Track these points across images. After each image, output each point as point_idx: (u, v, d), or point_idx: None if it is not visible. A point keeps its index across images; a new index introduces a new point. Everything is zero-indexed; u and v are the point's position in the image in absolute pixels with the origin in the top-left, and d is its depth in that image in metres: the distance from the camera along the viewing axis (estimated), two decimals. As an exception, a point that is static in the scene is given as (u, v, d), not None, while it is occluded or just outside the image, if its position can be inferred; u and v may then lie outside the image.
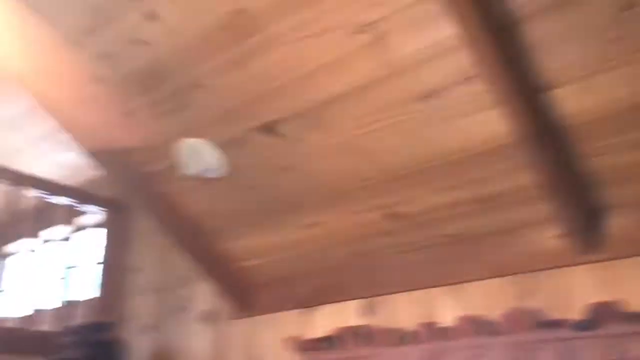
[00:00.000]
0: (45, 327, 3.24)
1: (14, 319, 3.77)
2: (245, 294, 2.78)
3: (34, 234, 3.30)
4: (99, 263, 3.51)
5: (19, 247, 4.05)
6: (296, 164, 2.22)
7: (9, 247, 3.20)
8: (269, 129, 2.14)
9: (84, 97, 2.41)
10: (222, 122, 2.19)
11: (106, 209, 3.53)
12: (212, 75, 2.06)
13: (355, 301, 2.40)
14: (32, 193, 3.22)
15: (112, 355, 2.95)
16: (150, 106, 2.19)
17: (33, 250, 3.20)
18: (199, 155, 2.37)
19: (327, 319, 2.46)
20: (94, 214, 3.66)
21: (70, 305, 3.26)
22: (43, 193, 3.25)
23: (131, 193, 3.07)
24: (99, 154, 2.58)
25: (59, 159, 3.68)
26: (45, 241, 3.26)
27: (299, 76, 1.92)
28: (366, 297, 2.38)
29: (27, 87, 2.52)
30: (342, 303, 2.44)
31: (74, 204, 3.38)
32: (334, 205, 2.26)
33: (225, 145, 2.27)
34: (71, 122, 2.50)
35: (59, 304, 3.82)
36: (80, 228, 3.45)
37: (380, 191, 2.10)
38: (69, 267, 3.28)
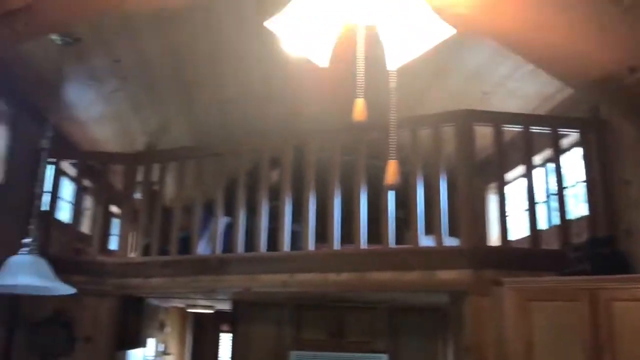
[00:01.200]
0: (547, 245, 3.55)
1: (519, 240, 4.27)
2: None
3: (521, 163, 3.64)
4: (584, 182, 3.60)
5: (512, 176, 4.55)
6: None
7: (505, 177, 3.60)
8: None
9: (546, 25, 2.48)
10: None
11: (581, 128, 3.57)
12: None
13: None
14: (512, 128, 3.56)
15: (616, 267, 2.99)
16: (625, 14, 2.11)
17: (524, 177, 3.54)
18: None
19: None
20: (569, 135, 3.76)
21: (566, 223, 3.46)
22: (520, 126, 3.54)
23: (609, 108, 3.00)
24: (571, 76, 2.63)
25: (526, 92, 3.93)
26: (533, 167, 3.54)
27: None
28: None
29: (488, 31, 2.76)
30: None
31: (549, 129, 3.55)
32: None
33: None
34: (538, 53, 2.62)
35: (556, 223, 4.10)
36: (560, 150, 3.59)
37: None
38: (559, 188, 3.48)
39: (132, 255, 4.38)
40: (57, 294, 3.20)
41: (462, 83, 3.89)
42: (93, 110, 4.46)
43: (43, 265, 3.09)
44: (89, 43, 3.46)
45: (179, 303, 7.36)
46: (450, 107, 3.66)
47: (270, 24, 1.38)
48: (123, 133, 5.01)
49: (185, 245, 4.25)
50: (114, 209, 6.37)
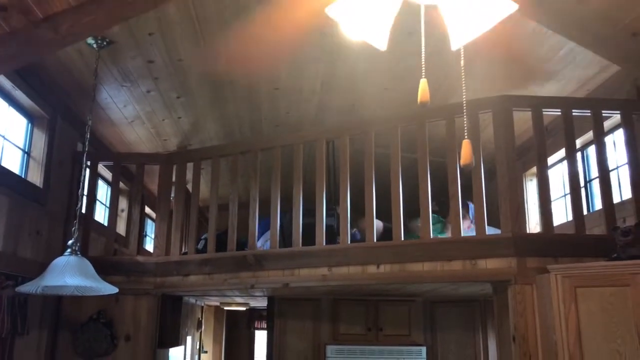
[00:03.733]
0: (588, 230, 3.47)
1: (557, 227, 4.16)
2: None
3: (561, 148, 3.56)
4: (624, 165, 3.50)
5: (553, 159, 4.46)
6: None
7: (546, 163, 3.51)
8: None
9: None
10: None
11: (623, 110, 3.47)
12: None
13: None
14: (551, 112, 3.49)
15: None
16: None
17: (566, 161, 3.46)
18: None
19: None
20: (609, 118, 3.67)
21: (611, 207, 3.36)
22: (560, 109, 3.46)
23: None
24: (616, 53, 2.55)
25: (563, 76, 3.84)
26: (575, 151, 3.46)
27: None
28: None
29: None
30: None
31: (589, 112, 3.47)
32: None
33: None
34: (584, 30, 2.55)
35: (595, 209, 4.01)
36: (603, 133, 3.50)
37: None
38: (603, 171, 3.39)
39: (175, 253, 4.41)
40: (102, 294, 3.25)
41: (497, 69, 3.81)
42: (126, 111, 4.50)
43: (87, 265, 3.13)
44: (123, 45, 3.49)
45: (214, 301, 7.43)
46: (484, 95, 3.61)
47: (330, 10, 1.36)
48: (156, 134, 5.06)
49: (222, 242, 4.28)
50: (147, 210, 6.47)
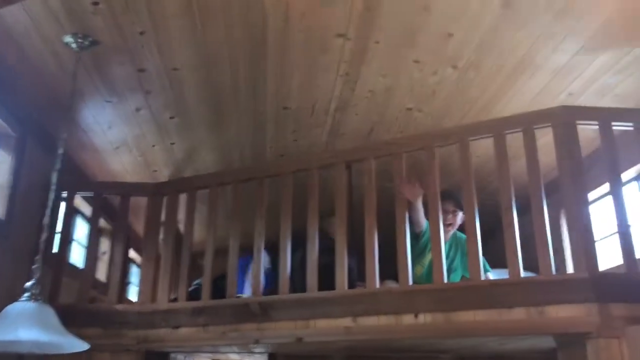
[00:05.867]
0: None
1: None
2: None
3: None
4: None
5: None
6: None
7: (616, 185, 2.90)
8: None
9: None
10: None
11: None
12: None
13: None
14: (621, 126, 2.92)
15: None
16: None
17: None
18: None
19: None
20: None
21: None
22: (631, 123, 2.89)
23: None
24: None
25: (624, 89, 3.31)
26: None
27: None
28: None
29: None
30: None
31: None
32: None
33: None
34: None
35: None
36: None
37: None
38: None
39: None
40: (67, 351, 2.52)
41: (547, 81, 3.27)
42: (111, 134, 3.88)
43: (49, 314, 2.43)
44: (109, 46, 2.91)
45: (206, 358, 6.59)
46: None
47: None
48: (144, 163, 4.42)
49: (218, 290, 3.59)
50: (132, 254, 5.74)
